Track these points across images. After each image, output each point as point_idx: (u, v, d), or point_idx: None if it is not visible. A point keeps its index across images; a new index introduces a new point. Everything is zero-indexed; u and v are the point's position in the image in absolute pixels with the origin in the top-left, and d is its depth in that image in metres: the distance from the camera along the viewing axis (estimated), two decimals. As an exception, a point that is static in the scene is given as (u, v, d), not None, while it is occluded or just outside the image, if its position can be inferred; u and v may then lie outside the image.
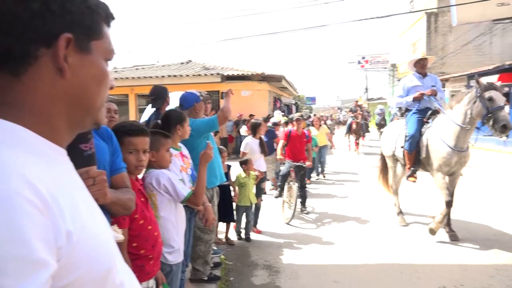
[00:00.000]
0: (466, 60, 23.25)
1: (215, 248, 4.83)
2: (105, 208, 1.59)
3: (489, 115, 4.67)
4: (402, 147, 5.65)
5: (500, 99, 4.70)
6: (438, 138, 5.15)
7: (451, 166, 5.10)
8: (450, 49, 23.78)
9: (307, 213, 6.82)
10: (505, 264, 4.38)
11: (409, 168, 5.56)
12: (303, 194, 6.89)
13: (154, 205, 2.30)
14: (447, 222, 5.23)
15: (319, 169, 10.59)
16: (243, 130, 13.60)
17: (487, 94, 4.71)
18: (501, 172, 10.52)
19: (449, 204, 5.08)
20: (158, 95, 4.03)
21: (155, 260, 2.03)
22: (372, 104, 39.60)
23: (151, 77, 16.18)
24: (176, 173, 2.90)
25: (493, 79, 16.13)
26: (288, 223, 6.21)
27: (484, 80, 16.18)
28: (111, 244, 0.70)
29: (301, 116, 8.05)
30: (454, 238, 5.15)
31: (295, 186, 6.45)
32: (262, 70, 16.66)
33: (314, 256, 4.86)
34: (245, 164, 5.57)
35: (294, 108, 26.72)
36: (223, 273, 4.33)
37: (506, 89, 15.97)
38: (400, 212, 6.17)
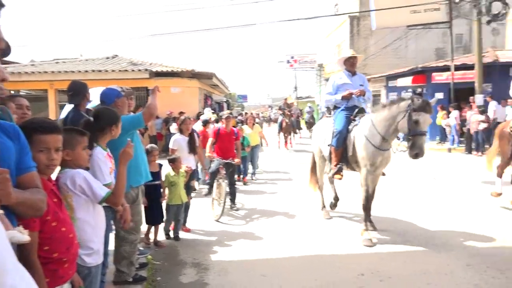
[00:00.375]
0: (385, 62, 24.88)
1: (141, 248, 4.71)
2: (10, 209, 1.49)
3: (409, 137, 4.72)
4: (329, 144, 5.67)
5: (425, 124, 4.68)
6: (364, 137, 5.16)
7: (376, 166, 5.17)
8: (371, 51, 25.30)
9: (237, 210, 6.89)
10: (415, 251, 4.79)
11: (335, 165, 5.58)
12: (232, 191, 6.94)
13: (70, 206, 2.18)
14: (367, 217, 5.37)
15: (251, 169, 10.08)
16: (173, 127, 13.37)
17: (415, 116, 4.64)
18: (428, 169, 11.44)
19: (366, 203, 5.26)
20: (76, 91, 3.81)
21: (70, 263, 1.94)
22: (302, 102, 40.96)
23: (73, 71, 15.26)
24: (105, 175, 2.79)
25: (408, 80, 17.52)
26: (217, 220, 6.23)
27: (401, 81, 17.34)
28: (1, 246, 0.66)
29: (231, 114, 8.09)
30: (373, 228, 5.47)
31: (224, 183, 6.47)
32: (192, 67, 16.47)
33: (243, 252, 4.93)
34: (173, 162, 5.47)
35: (225, 105, 26.80)
36: (149, 273, 4.23)
37: (419, 89, 17.41)
38: (324, 207, 6.44)
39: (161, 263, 4.62)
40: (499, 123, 14.14)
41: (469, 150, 13.58)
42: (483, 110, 13.42)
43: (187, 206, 5.77)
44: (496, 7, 14.28)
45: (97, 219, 2.37)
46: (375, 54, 24.47)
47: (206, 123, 9.26)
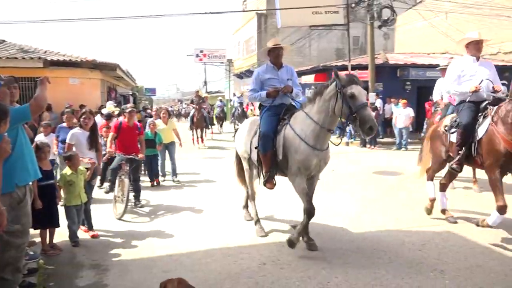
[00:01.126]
0: (291, 60, 25.92)
1: (31, 253, 4.33)
2: None
3: (354, 115, 4.17)
4: (256, 147, 4.92)
5: (361, 95, 4.22)
6: (297, 137, 4.54)
7: (311, 169, 4.60)
8: (277, 49, 26.15)
9: (142, 207, 6.67)
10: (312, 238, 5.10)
11: (266, 172, 4.85)
12: (136, 188, 6.71)
13: None
14: (305, 231, 4.75)
15: (165, 170, 9.04)
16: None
17: (348, 90, 4.19)
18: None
19: (309, 213, 4.56)
20: None
21: None
22: (212, 97, 40.89)
23: None
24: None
25: (311, 78, 18.49)
26: (120, 219, 5.97)
27: (304, 79, 18.15)
28: None
29: (134, 107, 7.78)
30: (313, 247, 4.68)
31: (126, 180, 6.23)
32: (93, 57, 15.46)
33: (145, 250, 4.80)
34: (70, 159, 5.07)
35: (131, 99, 25.66)
36: (40, 279, 3.90)
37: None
38: (247, 207, 5.96)
39: (55, 267, 4.29)
40: (386, 119, 15.75)
41: (363, 144, 14.81)
42: (376, 107, 14.73)
43: (86, 208, 5.34)
44: (386, 13, 15.74)
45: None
46: (281, 51, 25.32)
47: (109, 116, 8.80)
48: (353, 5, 16.85)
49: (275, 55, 5.02)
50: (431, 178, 6.01)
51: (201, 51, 37.83)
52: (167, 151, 8.94)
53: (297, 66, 22.60)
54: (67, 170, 5.00)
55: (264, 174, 4.90)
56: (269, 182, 4.87)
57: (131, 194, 6.46)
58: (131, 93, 27.60)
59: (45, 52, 15.34)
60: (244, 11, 27.21)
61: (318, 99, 4.53)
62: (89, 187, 5.41)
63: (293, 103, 5.07)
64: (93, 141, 5.55)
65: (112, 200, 6.36)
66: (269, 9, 24.41)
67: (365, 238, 5.05)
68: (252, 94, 5.12)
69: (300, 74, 19.85)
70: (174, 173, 8.81)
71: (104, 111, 9.56)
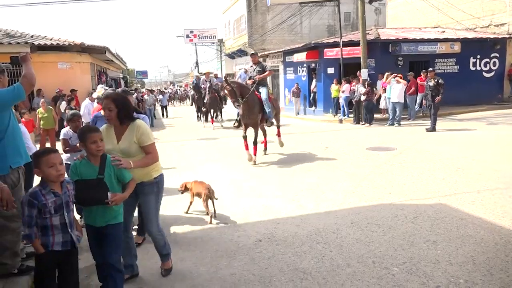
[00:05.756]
0: (282, 37, 25.70)
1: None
2: None
3: None
4: None
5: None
6: None
7: None
8: (268, 27, 25.88)
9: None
10: (308, 214, 5.17)
11: None
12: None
13: None
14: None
15: None
16: (63, 106, 12.33)
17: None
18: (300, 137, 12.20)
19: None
20: None
21: None
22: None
23: None
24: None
25: (303, 56, 18.35)
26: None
27: (297, 57, 18.00)
28: None
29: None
30: None
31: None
32: (82, 40, 15.21)
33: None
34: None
35: (122, 82, 25.41)
36: (39, 263, 3.93)
37: (313, 65, 18.40)
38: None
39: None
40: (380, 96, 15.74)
41: (357, 121, 14.83)
42: (371, 83, 14.69)
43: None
44: (377, -12, 15.53)
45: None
46: (272, 30, 25.09)
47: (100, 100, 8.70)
48: (343, -20, 16.58)
49: None
50: None
51: (191, 32, 37.33)
52: None
53: (289, 44, 22.40)
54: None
55: None
56: None
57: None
58: (122, 77, 27.31)
59: (32, 36, 15.07)
60: (233, -11, 26.72)
61: None
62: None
63: None
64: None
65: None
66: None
67: (358, 212, 5.13)
68: None
69: (292, 52, 19.70)
70: None
71: (94, 95, 9.45)
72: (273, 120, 8.98)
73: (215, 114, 16.20)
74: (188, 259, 4.03)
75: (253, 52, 9.67)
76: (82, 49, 15.13)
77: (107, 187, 2.92)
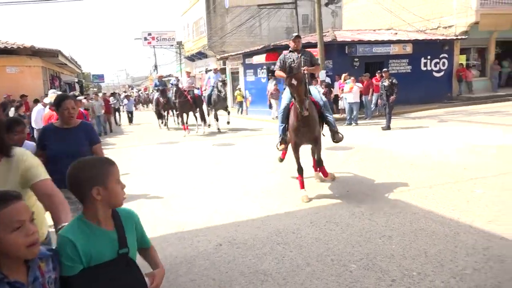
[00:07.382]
0: (242, 40, 25.77)
1: None
2: None
3: None
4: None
5: None
6: None
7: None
8: (228, 29, 25.86)
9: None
10: (268, 216, 5.20)
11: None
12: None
13: None
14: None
15: None
16: (11, 113, 11.73)
17: None
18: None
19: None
20: None
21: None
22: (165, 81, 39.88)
23: None
24: None
25: (262, 58, 18.47)
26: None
27: (256, 59, 17.96)
28: None
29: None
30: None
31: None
32: (32, 43, 14.56)
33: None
34: None
35: (77, 86, 24.57)
36: None
37: (273, 66, 18.54)
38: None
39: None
40: (337, 95, 16.12)
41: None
42: (328, 84, 15.00)
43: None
44: (332, -9, 15.90)
45: None
46: (231, 32, 25.09)
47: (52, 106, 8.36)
48: (300, -17, 16.86)
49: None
50: None
51: (150, 34, 36.68)
52: None
53: (249, 46, 22.50)
54: None
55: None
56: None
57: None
58: (76, 81, 26.42)
59: (-23, 39, 14.26)
60: (190, -9, 26.51)
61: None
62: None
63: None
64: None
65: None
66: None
67: (317, 212, 5.21)
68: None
69: (252, 54, 19.77)
70: None
71: (46, 100, 9.07)
72: (338, 131, 6.41)
73: (187, 119, 14.57)
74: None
75: (296, 34, 6.99)
76: (33, 52, 14.49)
77: (138, 268, 1.79)
